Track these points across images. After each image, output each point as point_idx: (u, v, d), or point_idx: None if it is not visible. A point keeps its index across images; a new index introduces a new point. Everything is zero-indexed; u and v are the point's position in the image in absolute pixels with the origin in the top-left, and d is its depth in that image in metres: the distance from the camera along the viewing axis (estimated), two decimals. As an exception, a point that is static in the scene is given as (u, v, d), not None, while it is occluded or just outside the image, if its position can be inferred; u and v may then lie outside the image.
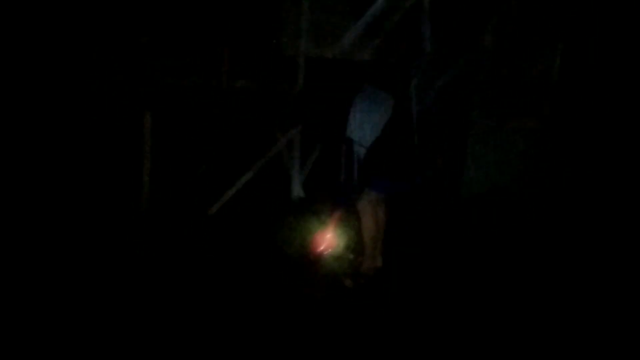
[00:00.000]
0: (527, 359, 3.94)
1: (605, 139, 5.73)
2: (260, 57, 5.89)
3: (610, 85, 5.78)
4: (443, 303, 4.41)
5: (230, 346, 3.83)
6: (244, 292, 4.36)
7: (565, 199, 5.69)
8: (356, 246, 4.80)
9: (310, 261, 4.86)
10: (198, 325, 3.97)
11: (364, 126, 4.49)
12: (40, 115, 5.46)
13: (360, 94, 4.55)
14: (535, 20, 5.86)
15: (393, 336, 4.03)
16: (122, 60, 5.62)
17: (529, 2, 5.84)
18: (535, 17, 5.85)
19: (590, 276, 4.77)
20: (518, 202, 5.73)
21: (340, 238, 5.01)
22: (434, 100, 5.77)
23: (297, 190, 5.92)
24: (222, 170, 5.68)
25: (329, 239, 4.96)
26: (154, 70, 5.68)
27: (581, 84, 5.84)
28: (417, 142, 4.70)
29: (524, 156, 5.84)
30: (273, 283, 4.52)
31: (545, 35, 5.87)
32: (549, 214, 5.60)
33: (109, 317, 3.97)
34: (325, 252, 4.93)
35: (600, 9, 5.79)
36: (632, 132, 5.67)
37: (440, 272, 4.80)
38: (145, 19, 5.66)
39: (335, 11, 5.82)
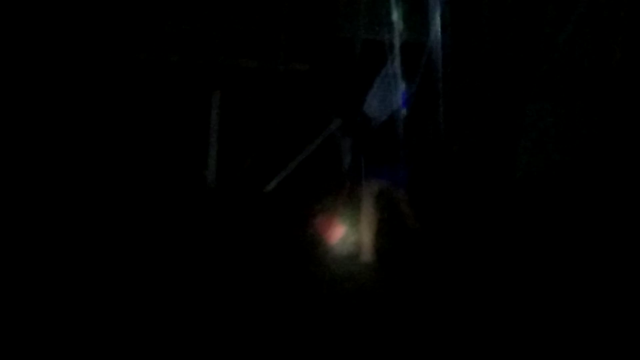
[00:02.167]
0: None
1: None
2: (316, 40, 6.00)
3: None
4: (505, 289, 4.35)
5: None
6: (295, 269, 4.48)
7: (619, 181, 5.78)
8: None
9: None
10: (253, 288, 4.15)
11: (380, 104, 4.60)
12: (117, 96, 5.61)
13: (382, 75, 4.65)
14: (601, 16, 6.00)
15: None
16: (193, 44, 5.76)
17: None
18: (601, 12, 5.98)
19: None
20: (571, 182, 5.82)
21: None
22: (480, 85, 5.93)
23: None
24: (278, 150, 5.82)
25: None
26: (220, 52, 5.79)
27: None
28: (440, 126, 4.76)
29: (579, 136, 5.97)
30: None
31: (607, 28, 6.01)
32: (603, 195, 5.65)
33: (177, 282, 4.15)
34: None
35: None
36: None
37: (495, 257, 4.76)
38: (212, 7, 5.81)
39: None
